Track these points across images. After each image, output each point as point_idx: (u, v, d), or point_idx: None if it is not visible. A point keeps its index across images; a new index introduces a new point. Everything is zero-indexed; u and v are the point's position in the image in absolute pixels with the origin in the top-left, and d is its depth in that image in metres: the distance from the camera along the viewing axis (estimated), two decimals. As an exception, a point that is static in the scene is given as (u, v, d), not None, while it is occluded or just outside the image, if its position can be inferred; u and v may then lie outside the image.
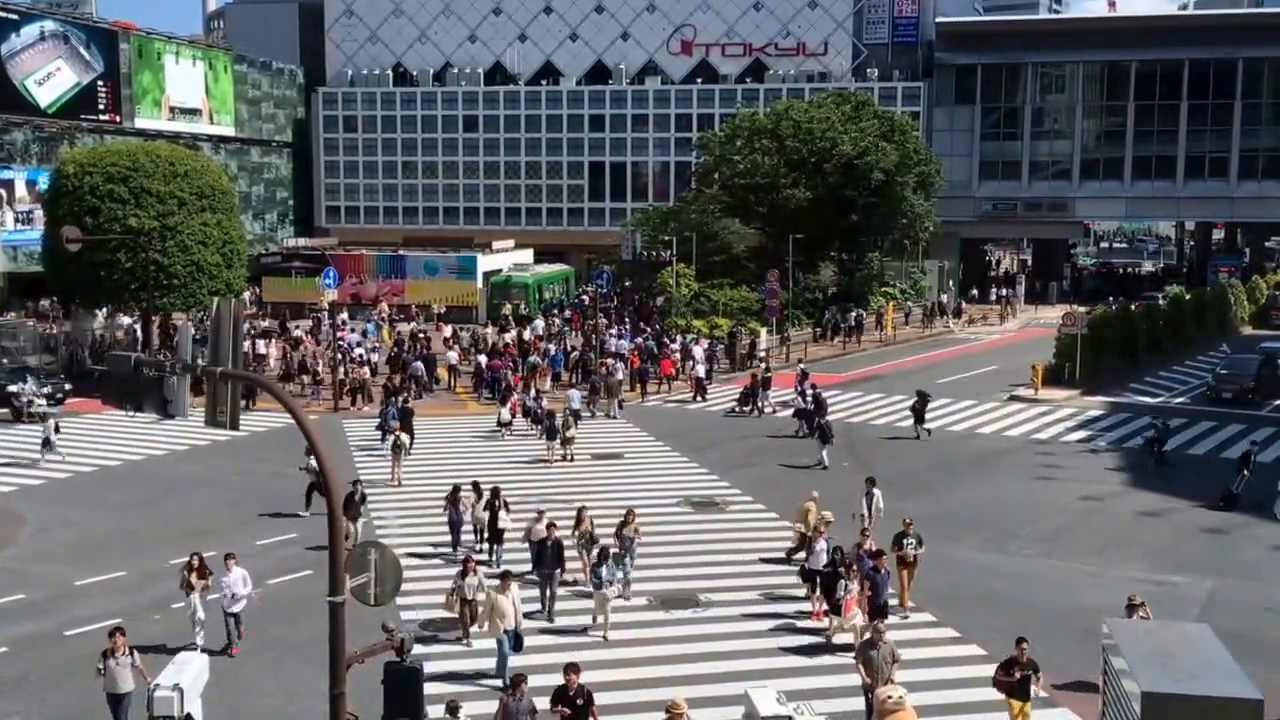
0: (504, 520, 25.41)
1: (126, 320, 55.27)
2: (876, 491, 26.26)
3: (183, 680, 16.77)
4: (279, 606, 22.52)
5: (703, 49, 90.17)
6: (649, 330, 56.14)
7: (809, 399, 38.30)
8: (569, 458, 35.12)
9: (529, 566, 23.76)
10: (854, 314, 63.13)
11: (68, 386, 43.81)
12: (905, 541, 22.51)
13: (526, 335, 54.45)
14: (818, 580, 21.77)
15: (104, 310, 55.42)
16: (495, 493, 25.87)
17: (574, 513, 24.68)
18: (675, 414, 43.30)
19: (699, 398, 45.09)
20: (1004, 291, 79.58)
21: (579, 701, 16.00)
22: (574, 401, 37.90)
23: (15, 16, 68.32)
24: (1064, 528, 28.30)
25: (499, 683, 18.58)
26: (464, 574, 20.94)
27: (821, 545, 22.57)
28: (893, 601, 21.70)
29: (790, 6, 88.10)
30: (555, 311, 66.02)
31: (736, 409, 42.77)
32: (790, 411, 39.83)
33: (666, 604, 22.87)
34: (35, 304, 63.57)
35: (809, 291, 65.93)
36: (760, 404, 42.32)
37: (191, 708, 16.78)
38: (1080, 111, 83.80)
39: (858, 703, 17.83)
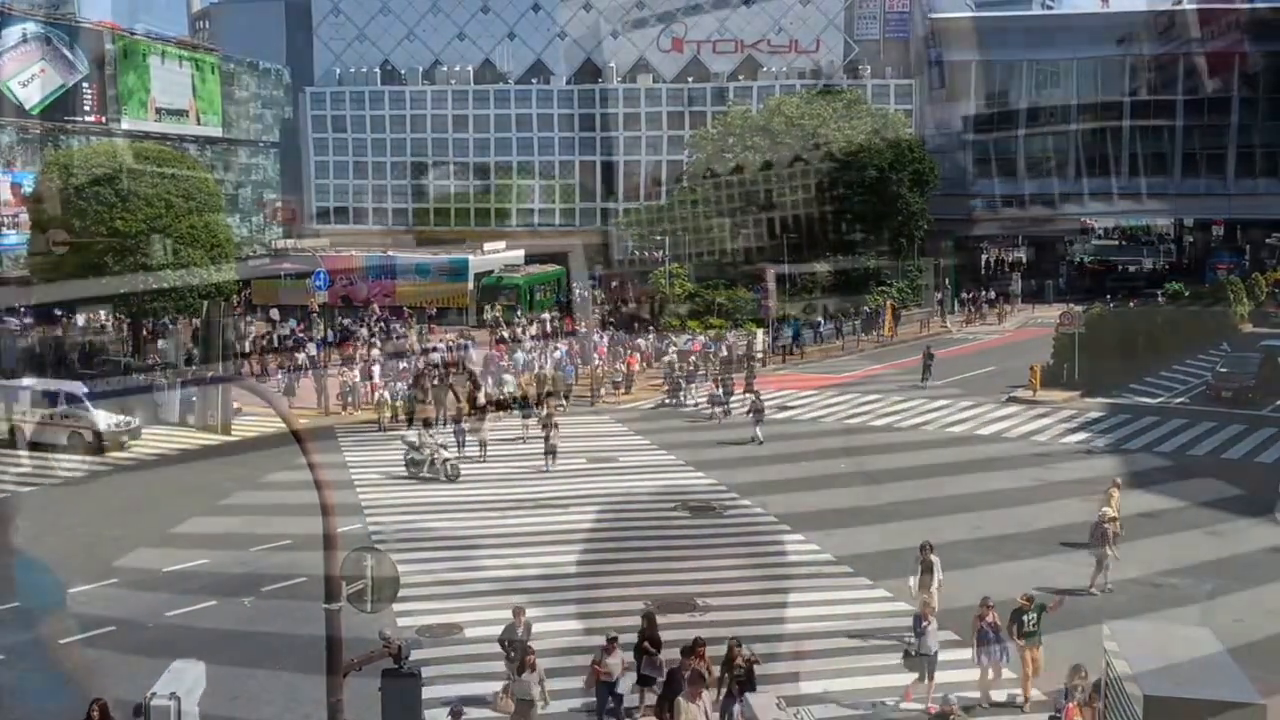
0: (555, 438, 32.62)
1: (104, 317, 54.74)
2: (935, 559, 21.68)
3: (179, 689, 16.50)
4: (275, 613, 22.31)
5: (694, 46, 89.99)
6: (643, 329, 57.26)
7: (720, 387, 43.00)
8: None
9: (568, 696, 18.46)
10: (888, 305, 63.45)
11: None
12: (1026, 618, 19.05)
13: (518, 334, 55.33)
14: (927, 668, 18.51)
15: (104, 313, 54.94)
16: (549, 414, 33.76)
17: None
18: (613, 409, 44.22)
19: (626, 391, 47.13)
20: (989, 293, 78.37)
21: None
22: (509, 385, 43.35)
23: (-3, 18, 67.85)
24: (1063, 530, 28.07)
25: None
26: (521, 669, 17.13)
27: (933, 626, 18.80)
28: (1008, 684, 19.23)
29: (782, 3, 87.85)
30: (550, 312, 65.86)
31: (665, 400, 45.73)
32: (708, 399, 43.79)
33: (662, 608, 22.61)
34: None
35: (804, 291, 65.74)
36: (685, 397, 45.43)
37: (188, 717, 16.51)
38: (1075, 108, 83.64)
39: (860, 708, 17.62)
